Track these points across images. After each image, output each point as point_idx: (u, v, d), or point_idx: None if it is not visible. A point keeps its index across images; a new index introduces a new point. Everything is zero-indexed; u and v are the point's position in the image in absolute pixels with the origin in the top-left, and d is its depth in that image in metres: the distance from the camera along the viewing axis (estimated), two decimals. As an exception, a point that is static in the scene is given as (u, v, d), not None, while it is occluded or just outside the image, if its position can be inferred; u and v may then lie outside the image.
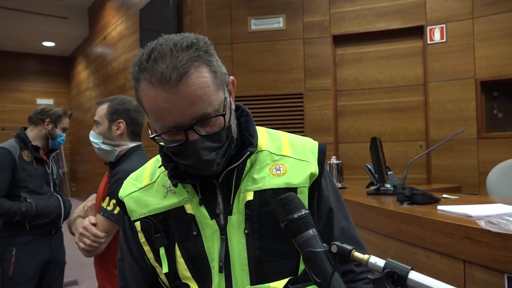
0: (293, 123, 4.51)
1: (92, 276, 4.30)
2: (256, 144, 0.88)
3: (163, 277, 0.89)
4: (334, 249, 0.66)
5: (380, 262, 0.61)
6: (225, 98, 0.81)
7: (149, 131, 0.83)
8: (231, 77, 0.87)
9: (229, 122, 0.82)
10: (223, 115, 0.80)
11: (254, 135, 0.89)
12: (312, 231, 0.69)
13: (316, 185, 0.91)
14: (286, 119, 4.51)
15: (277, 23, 4.58)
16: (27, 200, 2.40)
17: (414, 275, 0.58)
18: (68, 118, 2.65)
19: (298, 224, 0.69)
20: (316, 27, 4.50)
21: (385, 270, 0.59)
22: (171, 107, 0.75)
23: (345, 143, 4.51)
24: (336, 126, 4.50)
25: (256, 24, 4.60)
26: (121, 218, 1.00)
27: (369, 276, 0.63)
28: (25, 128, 2.56)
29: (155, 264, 0.90)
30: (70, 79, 10.84)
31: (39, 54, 10.56)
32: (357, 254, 0.64)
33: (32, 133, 2.52)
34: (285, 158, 0.90)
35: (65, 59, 10.92)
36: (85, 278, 4.30)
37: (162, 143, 0.82)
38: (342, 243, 0.66)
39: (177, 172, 0.87)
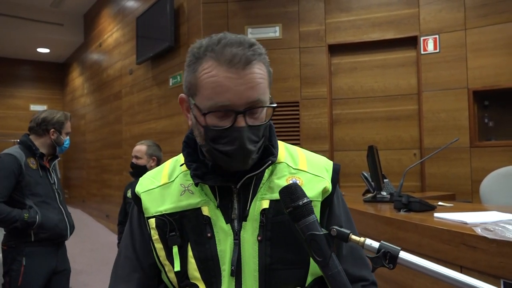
0: (289, 131, 4.55)
1: (86, 283, 4.31)
2: (277, 155, 0.92)
3: (172, 275, 0.90)
4: (333, 232, 0.75)
5: (375, 244, 0.74)
6: (270, 98, 0.88)
7: (196, 111, 0.85)
8: None
9: (268, 120, 0.88)
10: (273, 107, 0.87)
11: (275, 146, 0.93)
12: (313, 217, 0.76)
13: (328, 202, 0.93)
14: (282, 127, 4.54)
15: (274, 32, 4.64)
16: (32, 208, 2.32)
17: (403, 255, 0.72)
18: (69, 121, 2.58)
19: (302, 210, 0.76)
20: (312, 36, 4.56)
21: (382, 250, 0.73)
22: (232, 86, 0.80)
23: (340, 151, 4.55)
24: (332, 134, 4.55)
25: (253, 33, 4.65)
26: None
27: (368, 255, 0.72)
28: (28, 134, 2.48)
29: (165, 262, 0.90)
30: (64, 85, 10.81)
31: (34, 60, 10.54)
32: (354, 237, 0.75)
33: (37, 142, 2.46)
34: (302, 172, 0.93)
35: (59, 65, 10.90)
36: (80, 285, 4.27)
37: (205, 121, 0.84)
38: (349, 263, 0.72)
39: (199, 172, 0.89)
